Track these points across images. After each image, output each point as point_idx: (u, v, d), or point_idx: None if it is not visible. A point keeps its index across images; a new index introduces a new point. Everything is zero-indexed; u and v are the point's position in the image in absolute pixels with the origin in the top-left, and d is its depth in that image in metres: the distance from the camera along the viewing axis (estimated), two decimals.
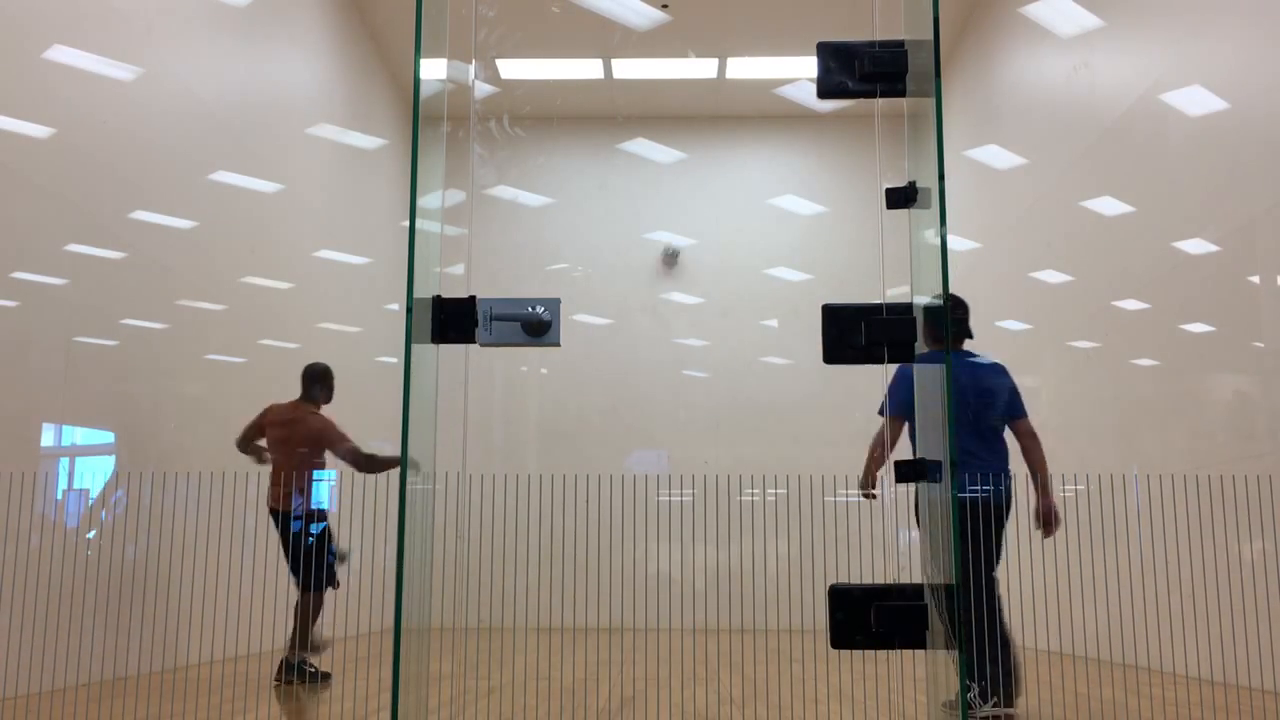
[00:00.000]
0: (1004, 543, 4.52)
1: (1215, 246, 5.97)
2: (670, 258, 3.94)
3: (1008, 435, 4.65)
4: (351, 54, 9.78)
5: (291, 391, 6.10)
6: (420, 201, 2.18)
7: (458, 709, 4.44)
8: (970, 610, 4.23)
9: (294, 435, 5.86)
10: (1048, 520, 4.64)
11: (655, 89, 11.18)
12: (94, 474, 5.89)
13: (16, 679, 4.83)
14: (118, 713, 4.51)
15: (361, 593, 6.48)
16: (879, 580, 2.14)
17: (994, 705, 4.24)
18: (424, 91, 2.19)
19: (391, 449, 6.13)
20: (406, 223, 2.17)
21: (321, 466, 5.88)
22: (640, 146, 11.52)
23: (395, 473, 2.17)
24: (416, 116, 2.19)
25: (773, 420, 10.51)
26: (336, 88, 9.55)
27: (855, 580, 2.15)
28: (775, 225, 11.52)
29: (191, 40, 6.86)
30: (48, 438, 5.58)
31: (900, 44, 2.21)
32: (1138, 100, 6.81)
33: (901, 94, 2.22)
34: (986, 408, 4.54)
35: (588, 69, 10.71)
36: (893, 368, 2.19)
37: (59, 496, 5.63)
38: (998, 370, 4.62)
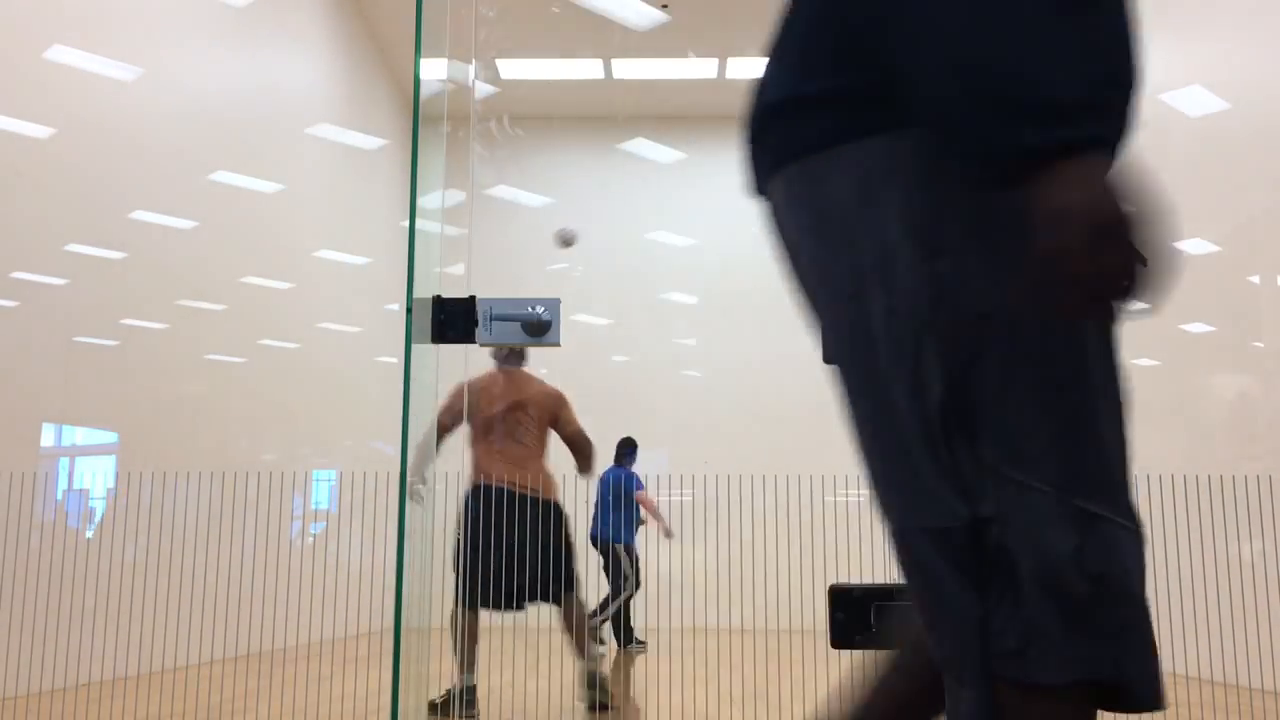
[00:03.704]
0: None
1: (1215, 246, 5.97)
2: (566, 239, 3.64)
3: None
4: (351, 54, 9.78)
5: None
6: (420, 201, 2.18)
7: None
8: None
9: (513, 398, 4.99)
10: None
11: (655, 89, 11.18)
12: (93, 474, 5.90)
13: (16, 679, 4.83)
14: (118, 713, 4.52)
15: (361, 593, 6.48)
16: (879, 580, 2.14)
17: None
18: (424, 91, 2.20)
19: (391, 449, 6.12)
20: (406, 223, 2.17)
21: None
22: (640, 146, 11.52)
23: (395, 473, 2.17)
24: (416, 116, 2.19)
25: (772, 420, 10.51)
26: (336, 88, 9.55)
27: (855, 580, 2.15)
28: None
29: (191, 40, 6.86)
30: (48, 438, 5.59)
31: None
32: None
33: None
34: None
35: (588, 69, 10.70)
36: None
37: (59, 497, 5.64)
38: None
